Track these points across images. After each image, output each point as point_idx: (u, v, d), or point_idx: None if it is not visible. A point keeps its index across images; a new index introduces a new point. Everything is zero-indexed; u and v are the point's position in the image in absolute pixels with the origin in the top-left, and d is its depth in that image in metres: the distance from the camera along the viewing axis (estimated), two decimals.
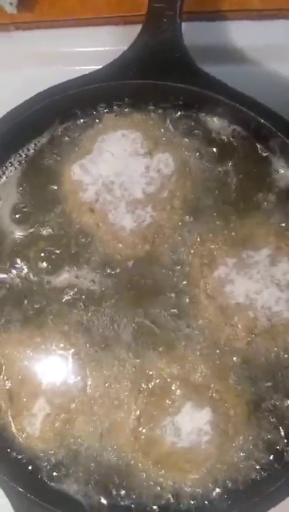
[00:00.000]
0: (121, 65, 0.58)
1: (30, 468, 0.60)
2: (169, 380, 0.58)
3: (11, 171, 0.63)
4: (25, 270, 0.62)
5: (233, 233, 0.59)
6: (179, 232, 0.60)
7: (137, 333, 0.60)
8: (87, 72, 0.59)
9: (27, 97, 0.59)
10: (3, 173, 0.63)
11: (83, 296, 0.61)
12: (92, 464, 0.60)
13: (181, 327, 0.59)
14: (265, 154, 0.59)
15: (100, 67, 0.59)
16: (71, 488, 0.60)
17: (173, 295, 0.60)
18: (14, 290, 0.62)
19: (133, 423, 0.58)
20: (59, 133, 0.62)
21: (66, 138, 0.62)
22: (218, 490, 0.58)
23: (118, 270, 0.61)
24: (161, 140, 0.60)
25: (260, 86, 0.58)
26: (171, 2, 0.57)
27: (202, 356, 0.58)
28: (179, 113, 0.60)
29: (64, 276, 0.62)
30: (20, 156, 0.63)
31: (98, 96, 0.60)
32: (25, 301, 0.62)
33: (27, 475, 0.60)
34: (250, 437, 0.58)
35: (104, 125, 0.61)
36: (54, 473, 0.60)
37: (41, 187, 0.62)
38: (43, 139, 0.63)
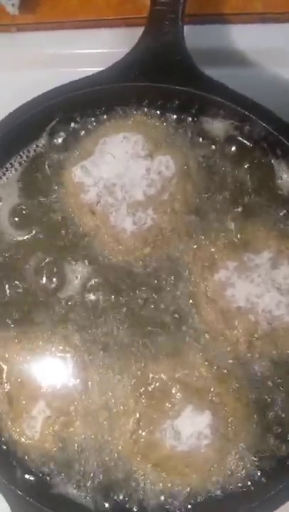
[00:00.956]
0: (122, 67, 0.58)
1: (29, 471, 0.60)
2: (169, 383, 0.58)
3: (11, 172, 0.63)
4: (25, 273, 0.62)
5: (233, 236, 0.59)
6: (180, 235, 0.60)
7: (137, 336, 0.60)
8: (88, 75, 0.59)
9: (28, 99, 0.59)
10: (4, 174, 0.63)
11: (83, 299, 0.61)
12: (92, 467, 0.60)
13: (182, 330, 0.59)
14: (266, 158, 0.59)
15: (102, 69, 0.59)
16: (70, 491, 0.60)
17: (173, 298, 0.60)
18: (14, 293, 0.62)
19: (133, 426, 0.58)
20: (60, 135, 0.62)
21: (67, 140, 0.62)
22: (217, 493, 0.58)
23: (118, 272, 0.60)
24: (162, 142, 0.60)
25: (261, 89, 0.57)
26: (172, 5, 0.57)
27: (202, 359, 0.58)
28: (181, 115, 0.60)
29: (64, 279, 0.61)
30: (21, 157, 0.63)
31: (100, 98, 0.60)
32: (25, 304, 0.62)
33: (26, 478, 0.60)
34: (250, 441, 0.58)
35: (106, 127, 0.61)
36: (53, 477, 0.60)
37: (42, 189, 0.62)
38: (44, 141, 0.62)
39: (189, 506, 0.58)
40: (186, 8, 0.58)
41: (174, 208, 0.59)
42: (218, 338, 0.58)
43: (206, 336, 0.59)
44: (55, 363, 0.60)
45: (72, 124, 0.62)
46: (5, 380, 0.61)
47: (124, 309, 0.60)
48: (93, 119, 0.62)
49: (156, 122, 0.60)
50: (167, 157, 0.59)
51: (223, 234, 0.59)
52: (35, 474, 0.60)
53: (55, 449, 0.60)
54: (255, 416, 0.58)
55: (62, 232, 0.62)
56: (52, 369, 0.60)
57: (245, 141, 0.60)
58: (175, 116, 0.60)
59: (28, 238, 0.62)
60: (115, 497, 0.60)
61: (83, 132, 0.62)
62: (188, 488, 0.58)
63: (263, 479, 0.57)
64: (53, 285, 0.62)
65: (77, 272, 0.61)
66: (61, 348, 0.60)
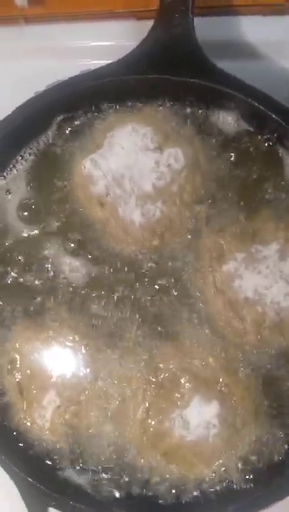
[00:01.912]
0: (132, 59, 0.58)
1: (40, 459, 0.61)
2: (177, 373, 0.59)
3: (21, 164, 0.63)
4: (35, 265, 0.63)
5: (242, 228, 0.59)
6: (188, 227, 0.60)
7: (147, 327, 0.60)
8: (98, 67, 0.59)
9: (37, 91, 0.59)
10: (14, 166, 0.63)
11: (93, 290, 0.61)
12: (100, 456, 0.61)
13: (191, 321, 0.60)
14: (276, 150, 0.59)
15: (111, 61, 0.59)
16: (79, 478, 0.61)
17: (182, 289, 0.60)
18: (24, 285, 0.63)
19: (142, 415, 0.59)
20: (69, 127, 0.62)
21: (76, 132, 0.62)
22: (225, 482, 0.59)
23: (127, 264, 0.61)
24: (171, 135, 0.60)
25: (271, 81, 0.57)
26: None
27: (211, 350, 0.59)
28: (190, 108, 0.60)
29: (73, 270, 0.62)
30: (31, 149, 0.63)
31: (109, 90, 0.60)
32: (35, 296, 0.62)
33: (37, 465, 0.61)
34: (259, 430, 0.58)
35: (115, 120, 0.61)
36: (63, 464, 0.61)
37: (51, 180, 0.63)
38: (54, 133, 0.62)
39: (199, 494, 0.59)
40: (196, 0, 0.57)
41: (183, 200, 0.59)
42: (227, 329, 0.59)
43: (215, 326, 0.59)
44: (65, 353, 0.61)
45: (82, 117, 0.62)
46: (16, 370, 0.62)
47: (134, 300, 0.61)
48: (102, 111, 0.62)
49: (165, 115, 0.60)
50: (177, 149, 0.59)
51: (232, 225, 0.59)
52: (46, 462, 0.61)
53: (65, 437, 0.61)
54: (263, 406, 0.58)
55: (72, 224, 0.62)
56: (62, 359, 0.61)
57: (255, 133, 0.59)
58: (185, 109, 0.60)
59: (37, 231, 0.63)
60: (124, 485, 0.60)
61: (92, 125, 0.62)
62: (197, 477, 0.59)
63: (270, 469, 0.58)
64: (62, 276, 0.62)
65: (87, 264, 0.62)
66: (71, 338, 0.61)
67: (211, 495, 0.59)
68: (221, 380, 0.58)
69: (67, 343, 0.61)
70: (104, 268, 0.61)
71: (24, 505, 0.59)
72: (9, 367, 0.62)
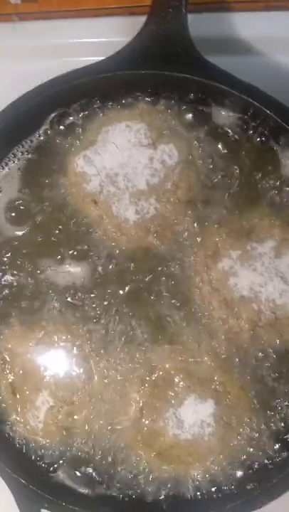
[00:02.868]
0: (126, 55, 0.58)
1: (33, 460, 0.61)
2: (172, 372, 0.58)
3: (13, 162, 0.63)
4: (27, 264, 0.62)
5: (237, 225, 0.59)
6: (183, 224, 0.60)
7: (140, 325, 0.60)
8: (90, 63, 0.59)
9: (30, 89, 0.59)
10: (6, 164, 0.63)
11: (86, 289, 0.61)
12: (94, 456, 0.60)
13: (185, 319, 0.59)
14: (271, 146, 0.59)
15: (104, 58, 0.59)
16: (73, 479, 0.60)
17: (176, 287, 0.60)
18: (16, 285, 0.62)
19: (136, 415, 0.58)
20: (62, 124, 0.62)
21: (70, 129, 0.62)
22: (221, 481, 0.59)
23: (121, 262, 0.61)
24: (165, 131, 0.59)
25: (266, 77, 0.57)
26: None
27: (206, 348, 0.58)
28: (184, 104, 0.60)
29: (66, 270, 0.62)
30: (23, 147, 0.62)
31: (102, 87, 0.60)
32: (28, 296, 0.62)
33: (30, 467, 0.60)
34: (254, 429, 0.58)
35: (109, 116, 0.61)
36: (56, 465, 0.61)
37: (44, 179, 0.62)
38: (46, 131, 0.62)
39: (195, 493, 0.59)
40: None
41: (177, 197, 0.59)
42: (222, 327, 0.58)
43: (210, 324, 0.59)
44: (58, 353, 0.61)
45: (75, 113, 0.62)
46: (8, 371, 0.61)
47: (127, 299, 0.60)
48: (95, 108, 0.61)
49: (159, 110, 0.60)
50: (170, 146, 0.59)
51: (227, 223, 0.59)
52: (39, 463, 0.61)
53: (58, 438, 0.60)
54: (258, 404, 0.58)
55: (65, 222, 0.62)
56: (55, 359, 0.61)
57: (249, 129, 0.59)
58: (178, 105, 0.60)
59: (29, 228, 0.62)
60: (118, 486, 0.60)
61: (86, 121, 0.62)
62: (192, 476, 0.59)
63: (267, 467, 0.58)
64: (54, 276, 0.62)
65: (80, 262, 0.61)
66: (64, 338, 0.61)
67: (207, 494, 0.59)
68: (216, 378, 0.58)
69: (60, 344, 0.61)
70: (98, 267, 0.61)
71: (16, 506, 0.58)
72: (1, 367, 0.61)
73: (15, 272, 0.62)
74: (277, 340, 0.58)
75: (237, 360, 0.58)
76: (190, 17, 0.57)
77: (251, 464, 0.58)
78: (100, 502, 0.60)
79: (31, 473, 0.59)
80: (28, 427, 0.61)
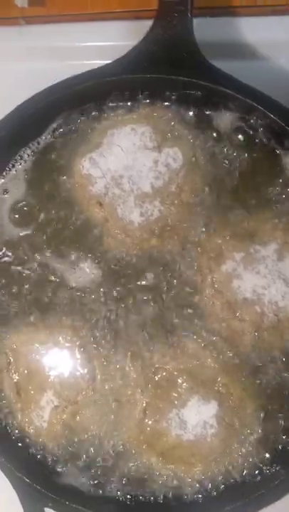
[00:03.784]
0: (131, 59, 0.58)
1: (37, 459, 0.61)
2: (175, 373, 0.59)
3: (20, 164, 0.63)
4: (33, 265, 0.63)
5: (240, 228, 0.59)
6: (187, 227, 0.60)
7: (144, 327, 0.60)
8: (97, 67, 0.59)
9: (36, 92, 0.59)
10: (13, 166, 0.63)
11: (91, 290, 0.61)
12: (98, 456, 0.61)
13: (189, 321, 0.60)
14: (275, 150, 0.59)
15: (110, 61, 0.59)
16: (76, 478, 0.61)
17: (180, 289, 0.60)
18: (19, 286, 0.63)
19: (139, 415, 0.59)
20: (69, 127, 0.62)
21: (76, 132, 0.62)
22: (222, 482, 0.59)
23: (125, 264, 0.61)
24: (170, 134, 0.60)
25: (270, 81, 0.57)
26: None
27: (209, 350, 0.59)
28: (189, 108, 0.60)
29: (71, 271, 0.62)
30: (30, 149, 0.63)
31: (107, 90, 0.60)
32: (31, 297, 0.62)
33: (34, 465, 0.61)
34: (256, 430, 0.58)
35: (114, 119, 0.61)
36: (60, 464, 0.61)
37: (50, 180, 0.63)
38: (53, 133, 0.63)
39: (195, 495, 0.59)
40: (195, 0, 0.57)
41: (182, 200, 0.59)
42: (225, 329, 0.59)
43: (213, 326, 0.59)
44: (63, 354, 0.61)
45: (81, 117, 0.62)
46: (13, 371, 0.61)
47: (131, 300, 0.61)
48: (101, 111, 0.62)
49: (164, 114, 0.60)
50: (175, 149, 0.59)
51: (230, 225, 0.59)
52: (43, 462, 0.61)
53: (62, 437, 0.61)
54: (261, 406, 0.58)
55: (70, 223, 0.62)
56: (59, 359, 0.61)
57: (253, 133, 0.60)
58: (183, 108, 0.60)
59: (34, 229, 0.63)
60: (121, 485, 0.60)
61: (91, 124, 0.62)
62: (193, 477, 0.59)
63: (269, 468, 0.58)
64: (59, 277, 0.62)
65: (84, 264, 0.62)
66: (69, 338, 0.61)
67: (209, 494, 0.59)
68: (219, 379, 0.58)
69: (65, 344, 0.61)
70: (102, 268, 0.61)
71: (20, 505, 0.59)
72: (7, 367, 0.62)
73: (17, 273, 0.63)
74: (280, 342, 0.58)
75: (240, 362, 0.58)
76: (195, 21, 0.57)
77: (252, 465, 0.58)
78: (103, 501, 0.60)
79: (35, 472, 0.60)
80: (32, 426, 0.61)
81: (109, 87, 0.60)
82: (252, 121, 0.59)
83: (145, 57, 0.58)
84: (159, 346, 0.60)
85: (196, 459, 0.58)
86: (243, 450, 0.58)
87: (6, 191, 0.63)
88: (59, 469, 0.61)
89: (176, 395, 0.58)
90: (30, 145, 0.63)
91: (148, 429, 0.59)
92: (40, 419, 0.60)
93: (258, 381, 0.58)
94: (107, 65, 0.59)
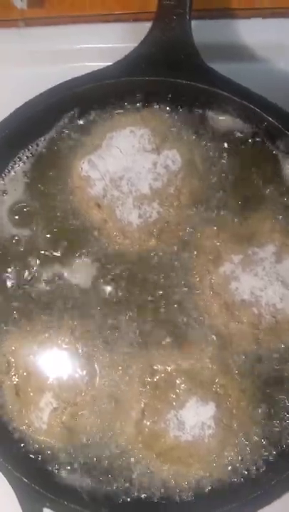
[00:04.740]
0: (130, 61, 0.58)
1: (36, 459, 0.61)
2: (173, 374, 0.59)
3: (19, 166, 0.63)
4: (32, 266, 0.63)
5: (238, 230, 0.59)
6: (185, 228, 0.60)
7: (142, 328, 0.60)
8: (96, 69, 0.60)
9: (36, 94, 0.60)
10: (12, 167, 0.63)
11: (89, 292, 0.61)
12: (96, 457, 0.61)
13: (187, 322, 0.60)
14: (273, 152, 0.60)
15: (109, 64, 0.59)
16: (75, 479, 0.61)
17: (178, 291, 0.60)
18: (17, 287, 0.63)
19: (137, 416, 0.59)
20: (68, 129, 0.63)
21: (74, 134, 0.63)
22: (220, 482, 0.59)
23: (124, 265, 0.61)
24: (168, 137, 0.60)
25: (268, 84, 0.58)
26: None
27: (207, 351, 0.59)
28: (188, 110, 0.60)
29: (69, 272, 0.62)
30: (29, 151, 0.63)
31: (107, 92, 0.60)
32: (31, 298, 0.62)
33: (32, 466, 0.61)
34: (254, 431, 0.58)
35: (113, 121, 0.61)
36: (59, 465, 0.61)
37: (49, 182, 0.63)
38: (52, 135, 0.63)
39: (194, 494, 0.59)
40: (193, 2, 0.58)
41: (180, 201, 0.60)
42: (223, 331, 0.59)
43: (211, 328, 0.59)
44: (62, 355, 0.61)
45: (79, 119, 0.62)
46: (13, 373, 0.62)
47: (129, 301, 0.61)
48: (100, 113, 0.62)
49: (162, 116, 0.61)
50: (174, 151, 0.59)
51: (228, 227, 0.59)
52: (42, 462, 0.61)
53: (61, 438, 0.61)
54: (259, 407, 0.58)
55: (69, 225, 0.62)
56: (58, 361, 0.61)
57: (251, 135, 0.60)
58: (182, 111, 0.61)
59: (32, 231, 0.63)
60: (119, 486, 0.60)
61: (90, 127, 0.62)
62: (192, 477, 0.59)
63: (266, 469, 0.58)
64: (58, 279, 0.62)
65: (83, 266, 0.62)
66: (67, 340, 0.61)
67: (207, 495, 0.59)
68: (217, 381, 0.58)
69: (63, 345, 0.61)
70: (101, 270, 0.61)
71: (19, 505, 0.59)
72: (6, 369, 0.62)
73: (15, 274, 0.63)
74: (278, 344, 0.58)
75: (238, 363, 0.59)
76: (194, 24, 0.58)
77: (250, 466, 0.58)
78: (101, 502, 0.60)
79: (34, 472, 0.60)
80: (31, 427, 0.61)
81: (107, 89, 0.60)
82: (250, 123, 0.59)
83: (144, 60, 0.58)
84: (158, 347, 0.60)
85: (194, 460, 0.58)
86: (241, 451, 0.58)
87: (5, 192, 0.64)
88: (58, 470, 0.61)
89: (174, 396, 0.58)
90: (30, 147, 0.63)
91: (146, 430, 0.59)
92: (40, 420, 0.60)
93: (255, 382, 0.59)
94: (106, 67, 0.59)
